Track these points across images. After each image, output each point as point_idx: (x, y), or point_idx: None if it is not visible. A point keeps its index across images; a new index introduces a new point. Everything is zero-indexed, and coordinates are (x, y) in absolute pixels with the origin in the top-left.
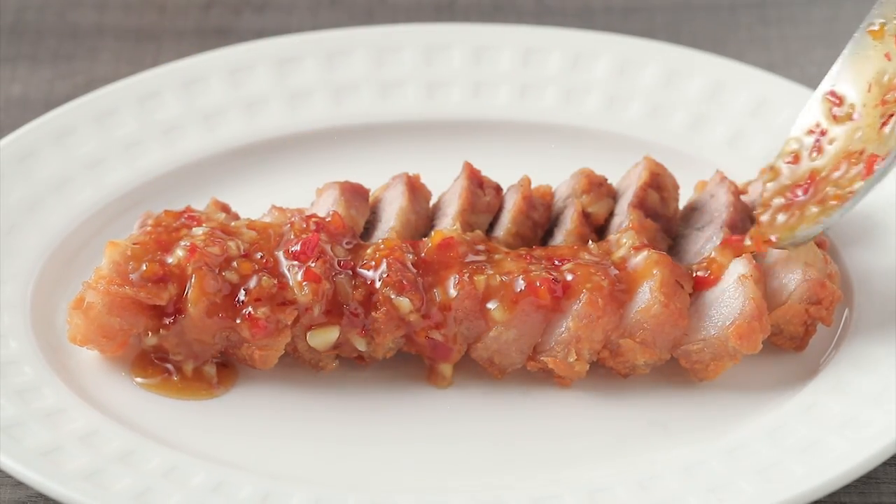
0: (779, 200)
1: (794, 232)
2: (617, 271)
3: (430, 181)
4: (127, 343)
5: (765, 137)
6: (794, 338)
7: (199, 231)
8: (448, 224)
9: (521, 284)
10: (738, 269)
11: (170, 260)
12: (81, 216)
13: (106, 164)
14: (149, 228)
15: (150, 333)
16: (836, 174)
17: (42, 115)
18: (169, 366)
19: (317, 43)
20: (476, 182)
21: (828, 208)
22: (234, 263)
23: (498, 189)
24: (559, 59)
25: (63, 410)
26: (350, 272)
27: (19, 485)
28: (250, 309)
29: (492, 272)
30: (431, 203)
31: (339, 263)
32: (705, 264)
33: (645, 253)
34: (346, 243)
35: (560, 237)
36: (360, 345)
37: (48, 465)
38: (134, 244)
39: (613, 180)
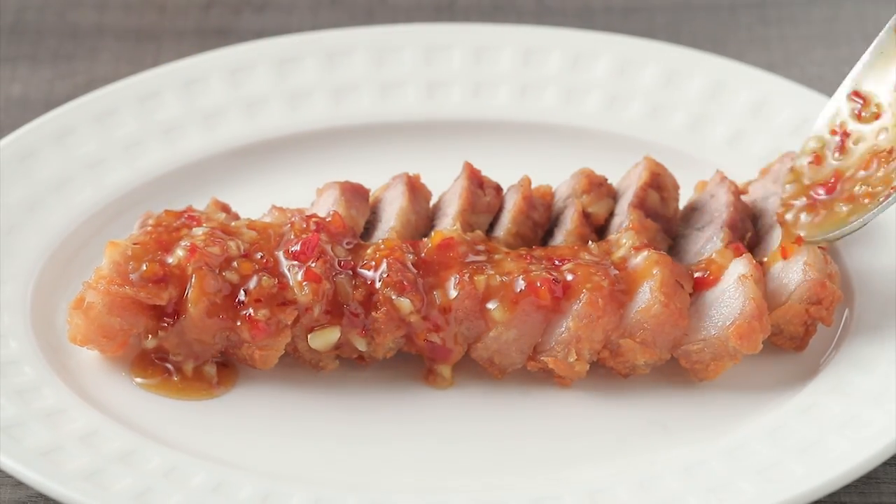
0: (801, 201)
1: (824, 230)
2: (617, 271)
3: (430, 181)
4: (127, 343)
5: (765, 137)
6: (795, 338)
7: (199, 231)
8: (448, 224)
9: (521, 284)
10: (738, 269)
11: (170, 260)
12: (81, 216)
13: (106, 164)
14: (149, 228)
15: (150, 336)
16: (863, 173)
17: (42, 115)
18: (169, 366)
19: (317, 43)
20: (476, 182)
21: (860, 207)
22: (235, 263)
23: (498, 189)
24: (559, 59)
25: (63, 410)
26: (350, 272)
27: (19, 485)
28: (251, 310)
29: (492, 272)
30: (432, 203)
31: (339, 263)
32: (705, 264)
33: (645, 253)
34: (347, 243)
35: (560, 237)
36: (361, 345)
37: (48, 465)
38: (134, 244)
39: (613, 180)
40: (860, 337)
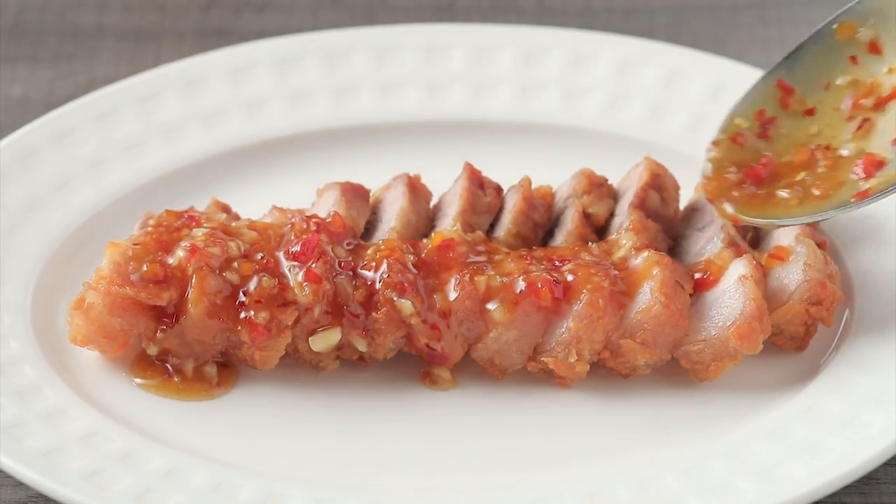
0: (733, 172)
1: (765, 214)
2: (617, 272)
3: (430, 181)
4: (127, 344)
5: None
6: (795, 338)
7: (199, 231)
8: (448, 225)
9: (521, 285)
10: (738, 269)
11: (170, 260)
12: (82, 216)
13: (106, 165)
14: (149, 229)
15: (150, 343)
16: (803, 172)
17: (42, 116)
18: (169, 366)
19: (317, 43)
20: (477, 182)
21: (810, 198)
22: (235, 264)
23: (498, 189)
24: (560, 59)
25: (63, 411)
26: (350, 273)
27: (19, 485)
28: (251, 312)
29: (492, 273)
30: (432, 204)
31: (339, 264)
32: (705, 265)
33: (645, 253)
34: (347, 244)
35: (560, 238)
36: (361, 345)
37: (48, 466)
38: (135, 245)
39: (614, 181)
40: (860, 337)
